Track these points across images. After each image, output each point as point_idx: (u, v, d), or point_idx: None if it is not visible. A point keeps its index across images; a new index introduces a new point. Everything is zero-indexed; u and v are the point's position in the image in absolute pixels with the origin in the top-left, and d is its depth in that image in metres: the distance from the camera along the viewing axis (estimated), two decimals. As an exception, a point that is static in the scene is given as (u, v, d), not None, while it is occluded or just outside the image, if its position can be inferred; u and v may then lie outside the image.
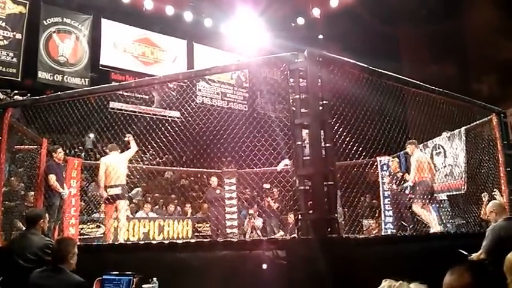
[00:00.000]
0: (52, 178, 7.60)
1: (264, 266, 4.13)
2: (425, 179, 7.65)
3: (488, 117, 7.06)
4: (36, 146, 7.40)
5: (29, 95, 7.35)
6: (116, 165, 8.02)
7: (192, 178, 15.38)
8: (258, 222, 12.14)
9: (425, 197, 7.56)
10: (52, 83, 15.96)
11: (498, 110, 7.06)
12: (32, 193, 7.61)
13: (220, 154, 10.34)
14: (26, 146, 7.19)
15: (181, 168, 13.35)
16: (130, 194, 11.35)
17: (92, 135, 14.61)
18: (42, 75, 15.98)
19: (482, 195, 7.13)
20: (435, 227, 7.54)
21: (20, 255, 4.38)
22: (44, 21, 16.41)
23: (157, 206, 13.10)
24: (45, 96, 6.86)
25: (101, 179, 8.00)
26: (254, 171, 10.47)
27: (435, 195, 8.32)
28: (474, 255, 4.74)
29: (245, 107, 20.63)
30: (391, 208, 9.65)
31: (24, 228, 5.44)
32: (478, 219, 7.27)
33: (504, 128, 6.93)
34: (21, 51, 15.56)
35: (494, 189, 6.98)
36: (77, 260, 3.89)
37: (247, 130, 7.23)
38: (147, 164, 13.15)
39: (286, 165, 8.57)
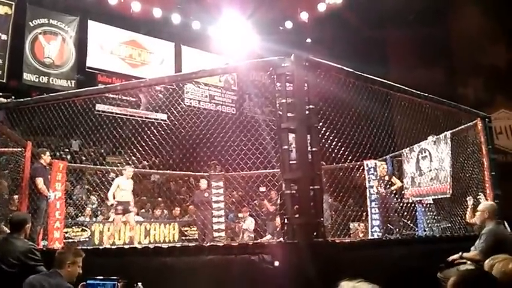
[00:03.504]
0: (40, 181, 7.51)
1: (250, 270, 4.12)
2: None
3: (473, 122, 7.13)
4: (20, 149, 7.29)
5: (13, 97, 7.23)
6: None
7: (180, 181, 15.30)
8: (249, 224, 12.06)
9: None
10: (38, 85, 15.81)
11: (483, 114, 7.14)
12: (16, 196, 7.50)
13: (207, 158, 10.31)
14: (10, 149, 7.08)
15: (168, 172, 13.29)
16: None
17: (78, 141, 14.51)
18: (27, 76, 15.82)
19: (467, 199, 7.19)
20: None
21: (3, 260, 4.31)
22: (30, 23, 16.25)
23: (143, 210, 13.02)
24: (29, 98, 6.77)
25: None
26: (244, 174, 10.41)
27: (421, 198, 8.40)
28: (468, 254, 4.77)
29: (233, 110, 20.61)
30: (377, 211, 9.68)
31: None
32: (463, 222, 7.32)
33: (489, 133, 7.00)
34: (6, 53, 15.39)
35: (479, 193, 7.03)
36: (80, 271, 3.91)
37: (235, 133, 7.23)
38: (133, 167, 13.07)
39: None
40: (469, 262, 4.67)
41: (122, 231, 10.77)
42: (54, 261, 3.88)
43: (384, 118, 7.00)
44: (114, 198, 9.38)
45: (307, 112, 4.32)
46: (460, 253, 4.85)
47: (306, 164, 4.21)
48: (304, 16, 19.00)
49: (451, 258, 4.86)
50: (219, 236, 10.72)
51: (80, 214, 11.34)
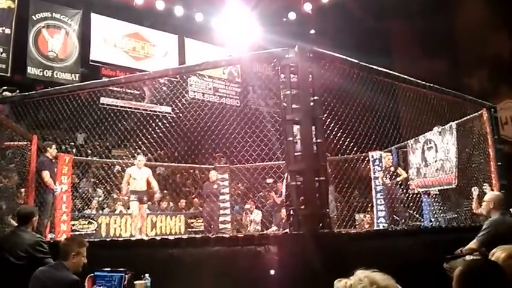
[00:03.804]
0: (46, 175, 7.53)
1: (256, 262, 4.13)
2: None
3: (479, 112, 7.10)
4: (26, 142, 7.32)
5: (18, 91, 7.25)
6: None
7: (186, 174, 15.34)
8: (255, 216, 12.12)
9: None
10: (42, 79, 15.80)
11: (489, 104, 7.10)
12: (23, 190, 7.55)
13: (212, 150, 10.31)
14: (16, 143, 7.11)
15: (173, 164, 13.32)
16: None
17: (83, 134, 14.53)
18: (31, 70, 15.82)
19: (473, 189, 7.17)
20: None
21: (11, 252, 4.34)
22: (33, 16, 16.23)
23: (150, 202, 13.06)
24: (34, 92, 6.79)
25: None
26: (249, 166, 10.41)
27: (426, 189, 8.40)
28: (466, 247, 4.78)
29: (237, 102, 20.57)
30: (383, 203, 9.69)
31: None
32: (469, 213, 7.31)
33: (495, 123, 6.97)
34: (10, 47, 15.37)
35: (485, 184, 7.02)
36: (85, 261, 3.90)
37: (239, 125, 7.23)
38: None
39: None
40: (475, 253, 4.68)
41: (129, 222, 10.83)
42: (58, 254, 3.90)
43: (389, 109, 6.98)
44: (127, 188, 9.17)
45: (311, 103, 4.32)
46: (461, 249, 4.85)
47: (311, 155, 4.22)
48: (307, 7, 18.91)
49: (456, 252, 4.87)
50: (224, 228, 10.75)
51: (86, 207, 11.39)
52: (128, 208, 11.78)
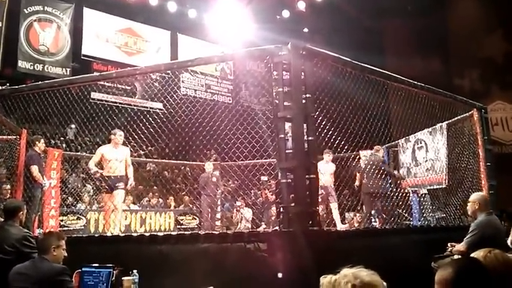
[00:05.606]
0: (35, 169, 7.46)
1: (246, 259, 4.13)
2: None
3: (470, 113, 7.14)
4: (15, 136, 7.24)
5: (8, 84, 7.18)
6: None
7: (176, 170, 15.29)
8: (245, 213, 12.10)
9: None
10: (32, 73, 15.66)
11: (479, 105, 7.15)
12: (8, 186, 7.47)
13: (203, 146, 10.26)
14: (5, 137, 7.04)
15: (164, 160, 13.25)
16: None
17: (73, 126, 14.38)
18: (22, 64, 15.67)
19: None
20: None
21: (-2, 247, 4.31)
22: (25, 10, 16.07)
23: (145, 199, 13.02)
24: (24, 85, 6.72)
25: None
26: (240, 163, 10.36)
27: (416, 189, 8.43)
28: (456, 248, 4.80)
29: (229, 99, 20.54)
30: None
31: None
32: (458, 212, 7.35)
33: (485, 123, 7.02)
34: (1, 40, 15.22)
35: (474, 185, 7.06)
36: (65, 254, 3.87)
37: (231, 122, 7.21)
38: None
39: None
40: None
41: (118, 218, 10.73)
42: (38, 249, 3.90)
43: (381, 108, 7.00)
44: (96, 171, 7.49)
45: (303, 101, 4.32)
46: (450, 248, 4.88)
47: (302, 153, 4.22)
48: (301, 5, 18.90)
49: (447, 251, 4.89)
50: (214, 225, 10.71)
51: (75, 202, 11.31)
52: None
